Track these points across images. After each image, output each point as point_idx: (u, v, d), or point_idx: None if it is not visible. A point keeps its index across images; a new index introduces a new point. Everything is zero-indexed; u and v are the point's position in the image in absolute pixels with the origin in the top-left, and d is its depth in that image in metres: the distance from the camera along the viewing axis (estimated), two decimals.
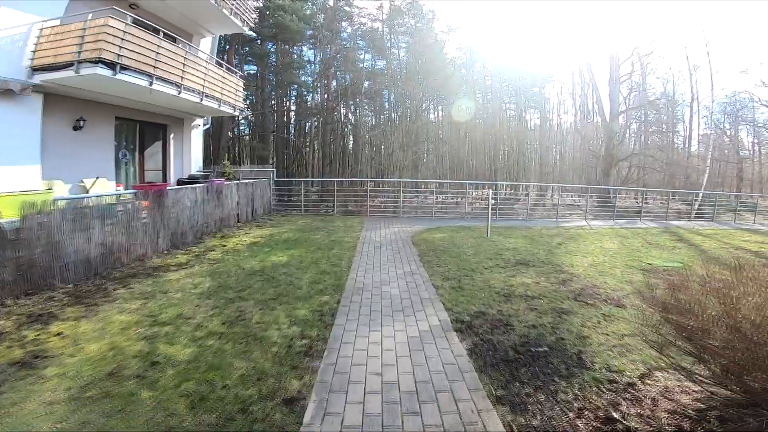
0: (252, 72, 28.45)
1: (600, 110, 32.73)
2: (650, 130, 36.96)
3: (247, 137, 30.95)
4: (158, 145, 11.15)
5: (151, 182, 6.58)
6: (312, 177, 31.39)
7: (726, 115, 37.05)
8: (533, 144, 39.58)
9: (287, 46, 22.60)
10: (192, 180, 11.02)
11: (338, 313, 4.32)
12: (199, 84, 9.66)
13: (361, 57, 32.33)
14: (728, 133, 37.24)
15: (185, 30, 11.67)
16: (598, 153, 32.95)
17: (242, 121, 31.50)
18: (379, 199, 14.42)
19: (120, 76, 7.34)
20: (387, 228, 9.65)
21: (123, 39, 7.35)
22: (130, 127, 10.23)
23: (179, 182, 11.10)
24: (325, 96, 29.18)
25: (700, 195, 20.21)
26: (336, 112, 29.59)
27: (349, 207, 13.52)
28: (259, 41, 22.09)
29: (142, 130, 10.52)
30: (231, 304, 4.56)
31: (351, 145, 32.18)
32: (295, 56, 23.93)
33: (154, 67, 8.10)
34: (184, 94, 9.09)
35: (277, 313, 4.31)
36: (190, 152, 11.83)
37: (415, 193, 19.14)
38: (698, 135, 36.08)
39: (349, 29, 30.74)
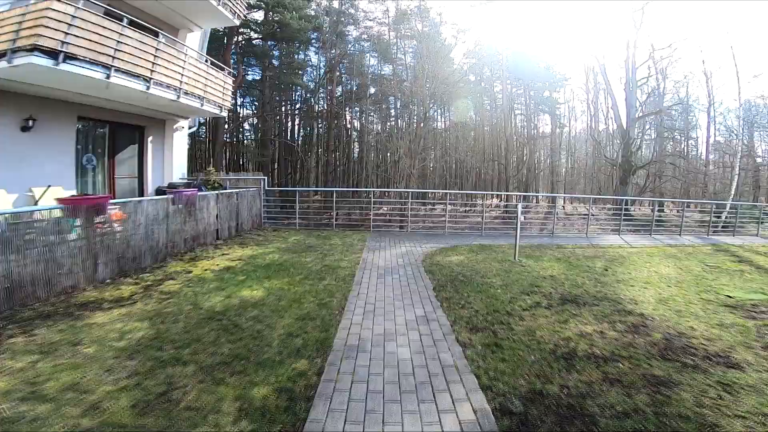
0: (255, 77, 27.44)
1: (616, 116, 31.30)
2: (665, 136, 35.56)
3: (252, 143, 29.75)
4: (134, 149, 9.83)
5: (86, 194, 5.18)
6: (316, 185, 29.97)
7: (743, 122, 35.42)
8: (544, 151, 37.91)
9: (290, 48, 21.39)
10: (171, 189, 9.69)
11: (318, 394, 2.80)
12: (175, 79, 8.35)
13: (367, 62, 31.19)
14: (744, 139, 35.58)
15: (170, 24, 10.45)
16: (615, 161, 31.41)
17: (246, 126, 30.41)
18: (385, 208, 12.95)
19: (64, 67, 6.03)
20: (393, 247, 8.12)
21: (71, 25, 6.08)
22: (97, 129, 8.92)
23: (158, 191, 9.79)
24: (330, 101, 27.98)
25: (728, 205, 18.51)
26: (342, 118, 28.35)
27: (351, 218, 12.04)
28: (261, 41, 20.89)
29: (113, 132, 9.20)
30: (160, 369, 3.08)
31: (356, 152, 30.76)
32: (298, 57, 22.69)
33: (113, 57, 6.80)
34: (155, 90, 7.76)
35: (223, 390, 2.82)
36: (172, 157, 10.49)
37: (423, 203, 17.67)
38: (713, 142, 34.53)
39: (354, 32, 29.66)
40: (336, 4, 27.01)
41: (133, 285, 5.17)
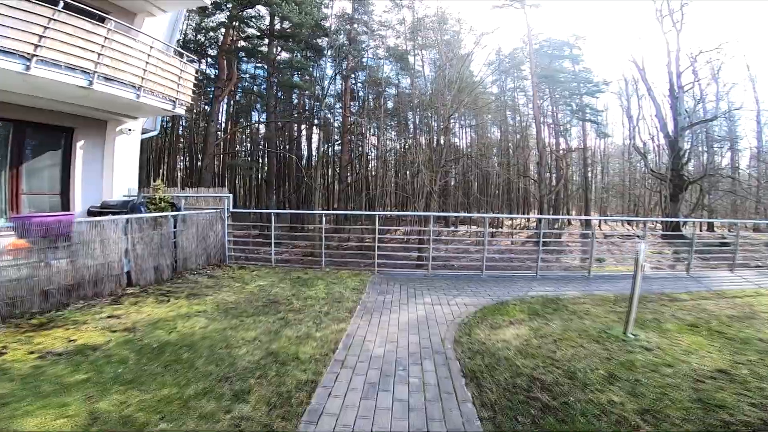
0: (261, 85, 25.30)
1: (661, 125, 27.92)
2: (713, 147, 31.66)
3: (252, 156, 27.25)
4: (55, 156, 7.30)
5: None
6: (325, 207, 27.10)
7: None
8: (577, 166, 34.14)
9: (292, 45, 19.03)
10: (104, 210, 7.12)
11: None
12: (86, 59, 5.83)
13: (383, 74, 28.87)
14: None
15: (123, 7, 8.08)
16: (664, 175, 27.69)
17: (248, 139, 28.18)
18: (402, 230, 10.03)
19: None
20: (404, 305, 5.00)
21: None
22: None
23: (89, 212, 7.27)
24: (343, 112, 25.61)
25: None
26: (357, 132, 25.86)
27: (352, 251, 9.11)
28: (265, 43, 18.61)
29: (20, 134, 6.70)
30: None
31: (372, 170, 27.88)
32: (302, 56, 20.36)
33: None
34: (42, 71, 5.24)
35: None
36: (113, 169, 7.93)
37: (446, 226, 14.63)
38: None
39: (371, 43, 27.49)
40: (349, 9, 24.96)
41: None
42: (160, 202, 7.15)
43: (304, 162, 23.72)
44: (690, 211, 27.29)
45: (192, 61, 8.26)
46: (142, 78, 6.79)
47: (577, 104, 28.06)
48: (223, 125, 22.81)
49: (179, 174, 22.34)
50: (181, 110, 7.93)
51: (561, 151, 26.69)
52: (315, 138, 27.15)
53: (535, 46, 27.99)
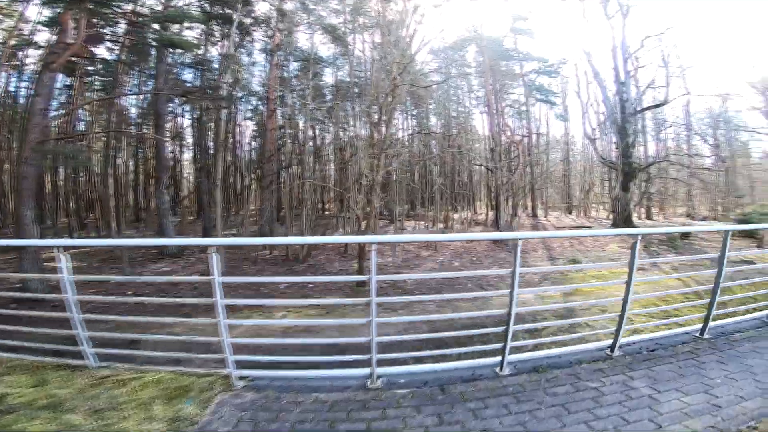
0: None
1: (609, 111, 26.85)
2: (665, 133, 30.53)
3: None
4: None
5: None
6: (230, 210, 21.74)
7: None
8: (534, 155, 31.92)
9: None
10: None
11: None
12: None
13: (319, 52, 24.77)
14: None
15: None
16: (616, 164, 26.50)
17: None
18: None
19: None
20: None
21: None
22: None
23: None
24: (267, 95, 20.90)
25: None
26: (287, 119, 21.34)
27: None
28: None
29: None
30: None
31: (306, 162, 23.32)
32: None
33: None
34: None
35: None
36: None
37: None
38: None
39: (305, 18, 23.16)
40: None
41: None
42: None
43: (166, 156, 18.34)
44: (639, 199, 26.25)
45: None
46: None
47: (532, 86, 25.84)
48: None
49: None
50: None
51: (520, 136, 24.16)
52: (240, 128, 22.28)
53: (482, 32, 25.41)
